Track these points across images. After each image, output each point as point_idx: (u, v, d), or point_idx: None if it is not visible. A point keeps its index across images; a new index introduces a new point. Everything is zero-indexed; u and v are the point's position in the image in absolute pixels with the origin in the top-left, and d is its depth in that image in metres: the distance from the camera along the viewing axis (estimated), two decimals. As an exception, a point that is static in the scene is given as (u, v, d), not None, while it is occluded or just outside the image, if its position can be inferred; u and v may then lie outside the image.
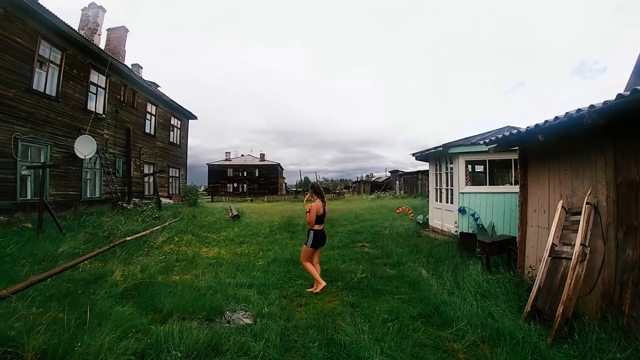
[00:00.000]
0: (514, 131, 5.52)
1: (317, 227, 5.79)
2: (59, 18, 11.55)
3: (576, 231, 4.14)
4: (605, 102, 3.40)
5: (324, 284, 5.71)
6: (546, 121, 4.41)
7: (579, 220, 4.17)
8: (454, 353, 3.57)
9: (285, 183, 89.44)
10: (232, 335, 3.84)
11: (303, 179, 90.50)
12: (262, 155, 74.46)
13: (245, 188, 68.90)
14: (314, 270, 5.80)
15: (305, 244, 5.84)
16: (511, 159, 9.03)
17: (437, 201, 11.65)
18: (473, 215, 9.46)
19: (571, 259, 3.97)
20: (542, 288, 4.34)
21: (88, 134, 13.46)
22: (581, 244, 3.95)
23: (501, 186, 9.90)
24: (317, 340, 3.86)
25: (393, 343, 3.67)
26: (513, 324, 3.89)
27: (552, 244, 4.49)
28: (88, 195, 14.32)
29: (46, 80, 11.88)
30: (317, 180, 69.94)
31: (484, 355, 3.47)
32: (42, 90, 11.67)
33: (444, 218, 10.92)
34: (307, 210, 5.82)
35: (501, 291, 4.96)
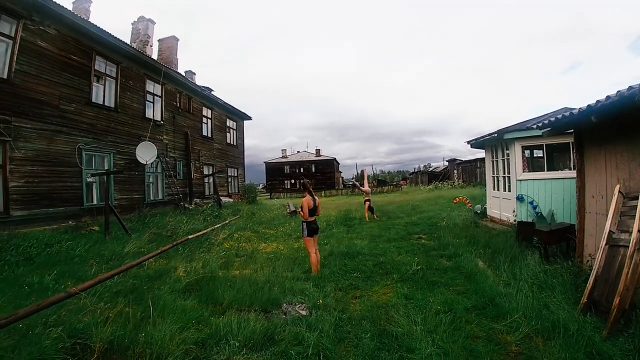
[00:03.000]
0: (567, 113, 5.27)
1: (310, 218, 6.44)
2: (110, 34, 12.38)
3: (634, 217, 3.92)
4: (659, 79, 3.20)
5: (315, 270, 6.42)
6: (598, 101, 4.18)
7: (637, 206, 3.96)
8: (507, 345, 3.54)
9: (342, 177, 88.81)
10: (287, 326, 4.05)
11: (359, 172, 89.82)
12: (318, 151, 73.86)
13: (302, 184, 68.47)
14: (315, 260, 6.48)
15: (303, 235, 6.52)
16: (569, 142, 8.54)
17: (494, 190, 11.27)
18: (531, 203, 9.07)
19: (628, 246, 3.77)
20: (599, 278, 4.15)
21: (148, 140, 14.34)
22: (638, 231, 3.73)
23: (560, 171, 9.36)
24: (369, 331, 3.96)
25: (445, 335, 3.67)
26: (568, 316, 3.77)
27: (610, 231, 4.27)
28: (151, 198, 15.29)
29: (104, 93, 12.82)
30: (373, 173, 68.73)
31: (536, 348, 3.41)
32: (101, 102, 12.62)
33: (502, 207, 10.55)
34: (300, 207, 6.48)
35: (558, 282, 4.79)
